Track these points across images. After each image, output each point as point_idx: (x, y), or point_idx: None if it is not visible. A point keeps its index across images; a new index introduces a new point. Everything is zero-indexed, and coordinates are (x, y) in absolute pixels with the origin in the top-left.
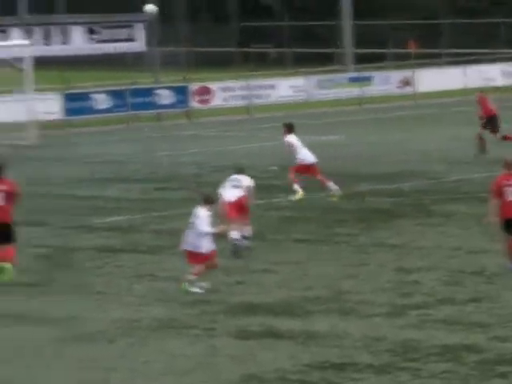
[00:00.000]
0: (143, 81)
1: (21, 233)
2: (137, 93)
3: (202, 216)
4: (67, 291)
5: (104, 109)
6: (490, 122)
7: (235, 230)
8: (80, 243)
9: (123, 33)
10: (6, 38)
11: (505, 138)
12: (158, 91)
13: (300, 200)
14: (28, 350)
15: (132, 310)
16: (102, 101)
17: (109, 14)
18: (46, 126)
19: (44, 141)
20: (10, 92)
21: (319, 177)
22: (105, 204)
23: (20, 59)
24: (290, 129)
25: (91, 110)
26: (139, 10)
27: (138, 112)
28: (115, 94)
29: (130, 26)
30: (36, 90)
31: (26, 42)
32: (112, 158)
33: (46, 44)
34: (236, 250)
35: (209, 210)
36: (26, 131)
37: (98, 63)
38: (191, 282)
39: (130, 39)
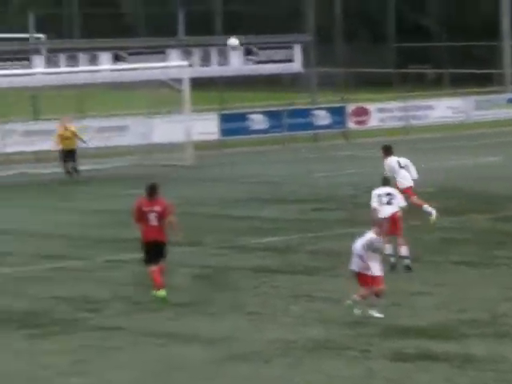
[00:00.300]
0: (300, 101)
1: (176, 252)
2: (293, 113)
3: (370, 238)
4: (223, 311)
5: (260, 129)
6: None
7: (388, 245)
8: (236, 263)
9: (281, 54)
10: (164, 59)
11: None
12: (314, 112)
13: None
14: (184, 369)
15: (288, 330)
16: (258, 121)
17: (266, 36)
18: (202, 146)
19: (200, 161)
20: (168, 113)
21: (414, 200)
22: (261, 224)
23: (178, 80)
24: (387, 151)
25: (247, 131)
26: (297, 30)
27: (294, 133)
28: (272, 115)
29: (287, 47)
30: (193, 110)
31: (185, 63)
32: (268, 178)
33: (204, 65)
34: (393, 265)
35: (377, 234)
36: (183, 152)
37: (255, 84)
38: (355, 303)
39: (287, 60)
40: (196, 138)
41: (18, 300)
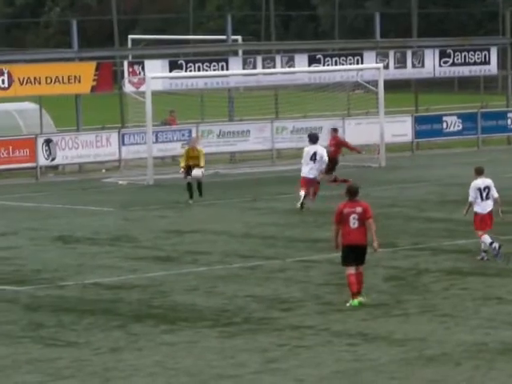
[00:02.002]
0: (495, 104)
1: (369, 253)
2: (488, 116)
3: None
4: (414, 313)
5: (454, 131)
6: None
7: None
8: (428, 265)
9: (477, 56)
10: (360, 62)
11: None
12: (510, 115)
13: None
14: (373, 369)
15: (479, 332)
16: (452, 124)
17: (462, 38)
18: (394, 148)
19: (393, 163)
20: (365, 114)
21: None
22: (456, 227)
23: (374, 82)
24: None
25: (440, 133)
26: (493, 32)
27: (488, 135)
28: (466, 117)
29: (483, 50)
30: (388, 112)
31: (380, 65)
32: (461, 180)
33: (399, 67)
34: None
35: None
36: (377, 153)
37: (450, 86)
38: None
39: (483, 62)
40: (389, 139)
41: (212, 298)
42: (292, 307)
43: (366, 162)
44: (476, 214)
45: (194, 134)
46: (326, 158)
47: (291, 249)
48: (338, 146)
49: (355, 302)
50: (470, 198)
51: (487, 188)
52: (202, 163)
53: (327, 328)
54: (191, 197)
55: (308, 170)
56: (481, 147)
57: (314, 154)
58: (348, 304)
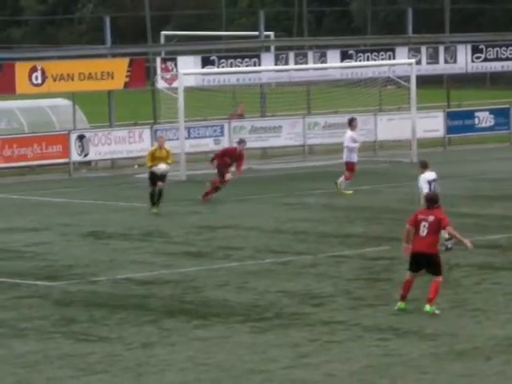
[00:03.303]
0: None
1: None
2: None
3: None
4: (446, 307)
5: (486, 127)
6: None
7: None
8: (459, 260)
9: (510, 51)
10: (392, 57)
11: None
12: None
13: None
14: (404, 363)
15: (510, 327)
16: (484, 119)
17: (495, 33)
18: (426, 143)
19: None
20: (396, 110)
21: None
22: (487, 222)
23: (406, 77)
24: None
25: (472, 128)
26: None
27: None
28: (498, 113)
29: None
30: (420, 108)
31: (412, 60)
32: (493, 175)
33: (432, 62)
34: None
35: None
36: (409, 148)
37: (482, 81)
38: None
39: None
40: (421, 135)
41: (243, 293)
42: (323, 302)
43: (397, 158)
44: None
45: (160, 133)
46: None
47: (323, 244)
48: None
49: (401, 305)
50: (426, 190)
51: (434, 181)
52: (170, 161)
53: (358, 323)
54: (154, 204)
55: None
56: None
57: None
58: (396, 307)
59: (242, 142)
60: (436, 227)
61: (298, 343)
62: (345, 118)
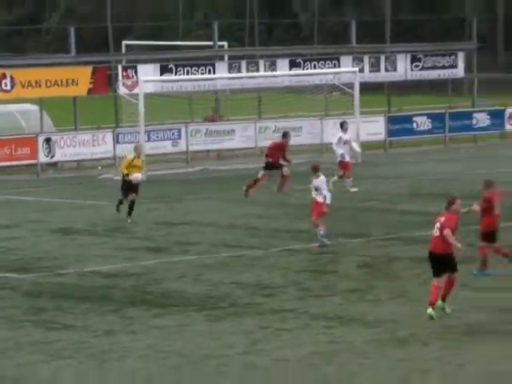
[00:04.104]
0: (461, 105)
1: (347, 243)
2: (455, 116)
3: None
4: (386, 297)
5: (423, 130)
6: None
7: None
8: (399, 254)
9: (445, 60)
10: (337, 66)
11: None
12: (475, 115)
13: None
14: (349, 350)
15: (446, 316)
16: (422, 123)
17: (432, 43)
18: (369, 146)
19: (368, 159)
20: (341, 115)
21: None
22: (427, 218)
23: (350, 84)
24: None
25: (411, 132)
26: (461, 38)
27: (455, 134)
28: (435, 117)
29: (451, 54)
30: (363, 112)
31: (356, 69)
32: (431, 176)
33: (373, 71)
34: None
35: None
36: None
37: (420, 88)
38: None
39: (451, 66)
40: (364, 138)
41: (199, 285)
42: (274, 293)
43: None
44: (317, 203)
45: (140, 143)
46: None
47: (273, 239)
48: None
49: (429, 310)
50: (324, 192)
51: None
52: (143, 170)
53: (306, 312)
54: (119, 209)
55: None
56: (448, 145)
57: None
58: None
59: (286, 134)
60: (445, 227)
61: (251, 331)
62: (293, 123)
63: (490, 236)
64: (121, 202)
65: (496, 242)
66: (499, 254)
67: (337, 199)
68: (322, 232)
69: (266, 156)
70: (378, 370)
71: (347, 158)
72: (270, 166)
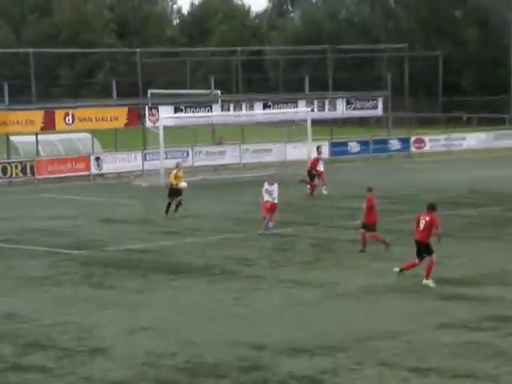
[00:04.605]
0: (380, 134)
1: (302, 230)
2: (376, 142)
3: None
4: (329, 266)
5: (355, 152)
6: None
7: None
8: (338, 237)
9: (369, 103)
10: (295, 107)
11: None
12: (390, 141)
13: None
14: (304, 304)
15: (371, 278)
16: (354, 147)
17: (360, 92)
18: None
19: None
20: (298, 141)
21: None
22: (355, 212)
23: (303, 120)
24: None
25: (347, 153)
26: (379, 88)
27: (376, 154)
28: (362, 143)
29: (373, 99)
30: (313, 139)
31: (308, 109)
32: (359, 182)
33: (320, 110)
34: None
35: None
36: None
37: (352, 122)
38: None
39: (373, 107)
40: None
41: (200, 258)
42: (252, 264)
43: (299, 171)
44: (267, 202)
45: (181, 160)
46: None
47: (251, 225)
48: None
49: (395, 269)
50: (266, 197)
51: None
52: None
53: (274, 277)
54: (168, 211)
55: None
56: (371, 162)
57: None
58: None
59: (319, 149)
60: (429, 225)
61: (236, 289)
62: (266, 146)
63: (371, 226)
64: (169, 205)
65: (376, 231)
66: (377, 239)
67: (298, 198)
68: (270, 224)
69: (311, 168)
70: (322, 315)
71: (322, 169)
72: (311, 175)
